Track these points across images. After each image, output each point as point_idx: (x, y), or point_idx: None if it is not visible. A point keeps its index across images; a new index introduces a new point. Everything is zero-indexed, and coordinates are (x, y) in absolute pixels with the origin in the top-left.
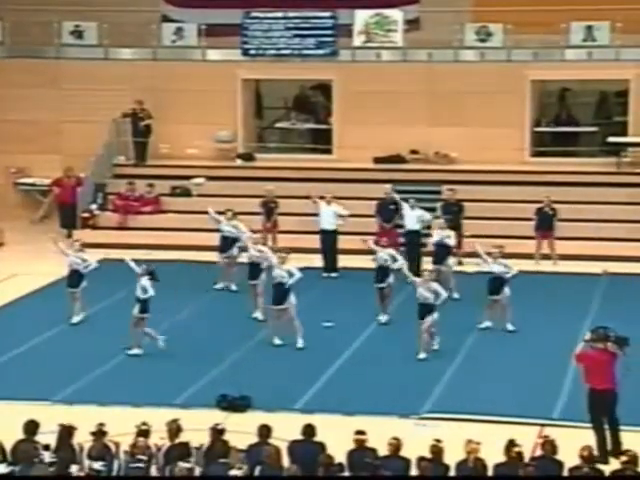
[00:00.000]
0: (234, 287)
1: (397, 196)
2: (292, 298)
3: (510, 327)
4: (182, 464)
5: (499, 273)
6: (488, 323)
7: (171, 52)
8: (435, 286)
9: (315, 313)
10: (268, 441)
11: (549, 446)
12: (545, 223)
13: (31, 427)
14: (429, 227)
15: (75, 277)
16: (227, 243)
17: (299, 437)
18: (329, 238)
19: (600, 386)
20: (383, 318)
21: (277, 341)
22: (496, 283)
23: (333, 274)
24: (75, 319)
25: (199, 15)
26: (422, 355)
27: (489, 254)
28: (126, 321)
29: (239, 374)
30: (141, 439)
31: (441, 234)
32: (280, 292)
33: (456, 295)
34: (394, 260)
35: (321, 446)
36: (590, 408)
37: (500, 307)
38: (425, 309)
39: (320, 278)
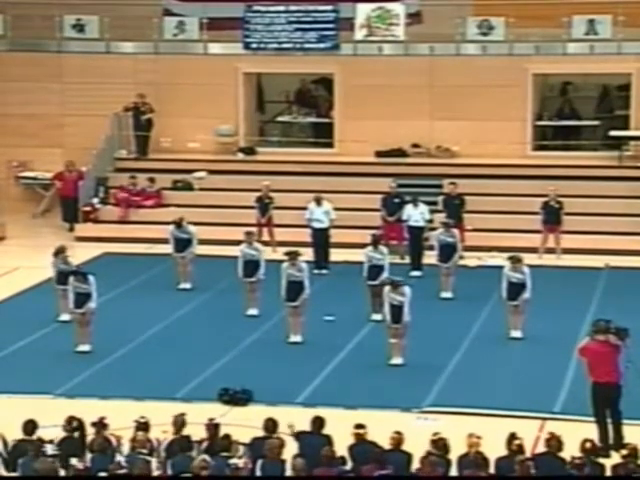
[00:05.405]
0: (189, 285)
1: (407, 197)
2: (305, 294)
3: (515, 334)
4: (203, 456)
5: (518, 280)
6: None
7: (173, 46)
8: (406, 290)
9: (314, 307)
10: (273, 435)
11: (555, 442)
12: (552, 217)
13: (29, 427)
14: (430, 221)
15: (63, 275)
16: (182, 245)
17: (304, 429)
18: (320, 236)
19: (603, 379)
20: (378, 317)
21: (293, 338)
22: (515, 288)
23: (324, 271)
24: (64, 317)
25: (201, 9)
26: (399, 360)
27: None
28: (128, 315)
29: (241, 368)
30: (140, 433)
31: (444, 234)
32: (294, 289)
33: (449, 295)
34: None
35: (327, 438)
36: (593, 401)
37: (517, 312)
38: (400, 311)
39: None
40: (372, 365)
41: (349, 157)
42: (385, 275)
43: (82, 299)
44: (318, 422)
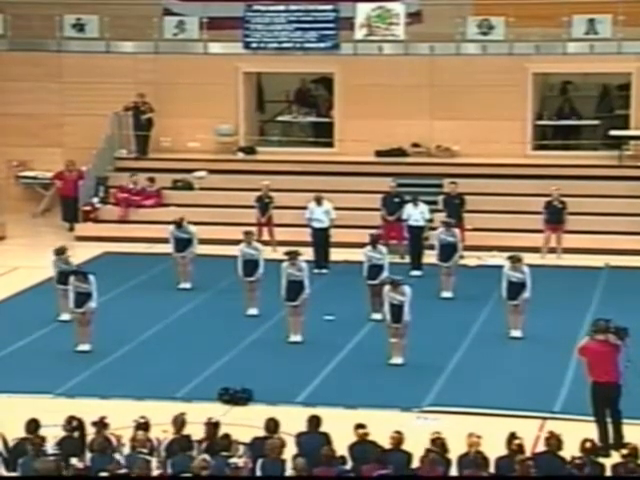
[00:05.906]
0: (189, 285)
1: (407, 197)
2: (305, 294)
3: (515, 334)
4: (203, 455)
5: (518, 280)
6: (516, 333)
7: (173, 45)
8: (407, 289)
9: (314, 307)
10: (274, 435)
11: (555, 441)
12: (555, 217)
13: (32, 427)
14: (431, 221)
15: (64, 275)
16: (182, 245)
17: (304, 429)
18: (320, 235)
19: (602, 378)
20: (377, 316)
21: (293, 338)
22: (515, 288)
23: (324, 270)
24: (64, 317)
25: (201, 8)
26: (399, 360)
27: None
28: (128, 315)
29: (241, 367)
30: (140, 432)
31: (445, 234)
32: (294, 289)
33: (449, 294)
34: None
35: (326, 437)
36: (593, 401)
37: (517, 312)
38: (400, 311)
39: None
40: (372, 365)
41: (349, 157)
42: (385, 274)
43: (82, 299)
44: (314, 421)
